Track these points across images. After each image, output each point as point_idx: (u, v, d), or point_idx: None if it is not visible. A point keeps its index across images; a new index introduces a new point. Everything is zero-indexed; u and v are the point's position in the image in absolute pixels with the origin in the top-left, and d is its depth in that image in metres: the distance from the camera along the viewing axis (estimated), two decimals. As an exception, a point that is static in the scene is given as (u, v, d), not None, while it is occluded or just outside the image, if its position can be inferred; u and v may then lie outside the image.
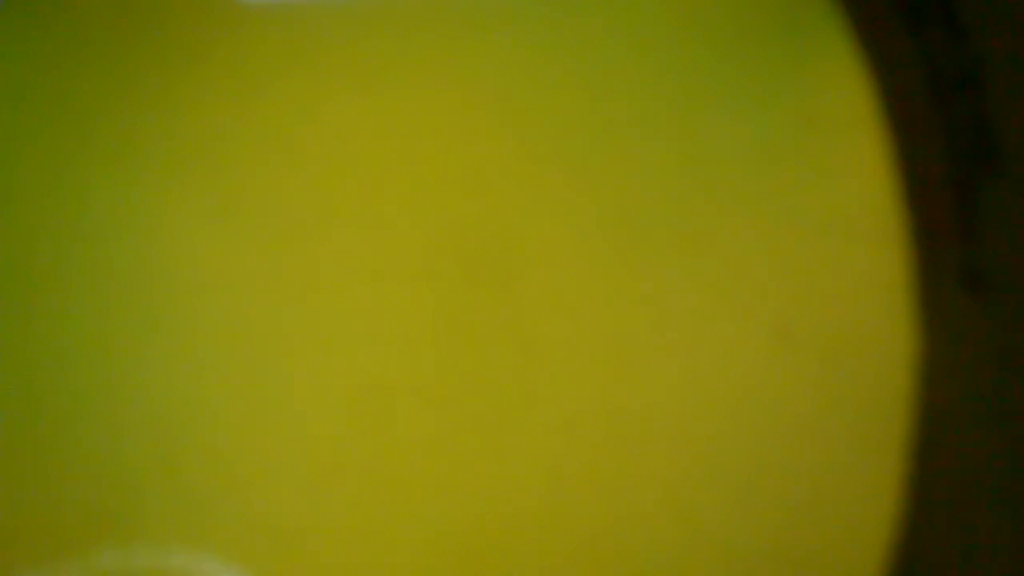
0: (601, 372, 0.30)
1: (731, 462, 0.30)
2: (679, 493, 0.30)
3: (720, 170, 0.31)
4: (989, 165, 0.29)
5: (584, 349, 0.30)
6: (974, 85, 0.29)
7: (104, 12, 0.31)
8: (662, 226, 0.31)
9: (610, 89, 0.31)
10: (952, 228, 0.30)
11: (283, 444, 0.30)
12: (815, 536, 0.30)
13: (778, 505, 0.30)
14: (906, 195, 0.30)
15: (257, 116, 0.30)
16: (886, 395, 0.30)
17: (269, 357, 0.30)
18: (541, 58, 0.31)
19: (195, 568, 0.30)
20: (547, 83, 0.31)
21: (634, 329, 0.30)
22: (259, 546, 0.30)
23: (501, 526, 0.30)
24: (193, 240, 0.30)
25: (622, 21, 0.31)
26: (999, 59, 0.28)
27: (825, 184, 0.31)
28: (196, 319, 0.30)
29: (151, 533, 0.30)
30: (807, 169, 0.31)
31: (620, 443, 0.30)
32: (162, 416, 0.30)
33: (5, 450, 0.30)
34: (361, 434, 0.30)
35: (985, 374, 0.29)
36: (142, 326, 0.30)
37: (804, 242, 0.31)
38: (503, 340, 0.30)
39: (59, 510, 0.30)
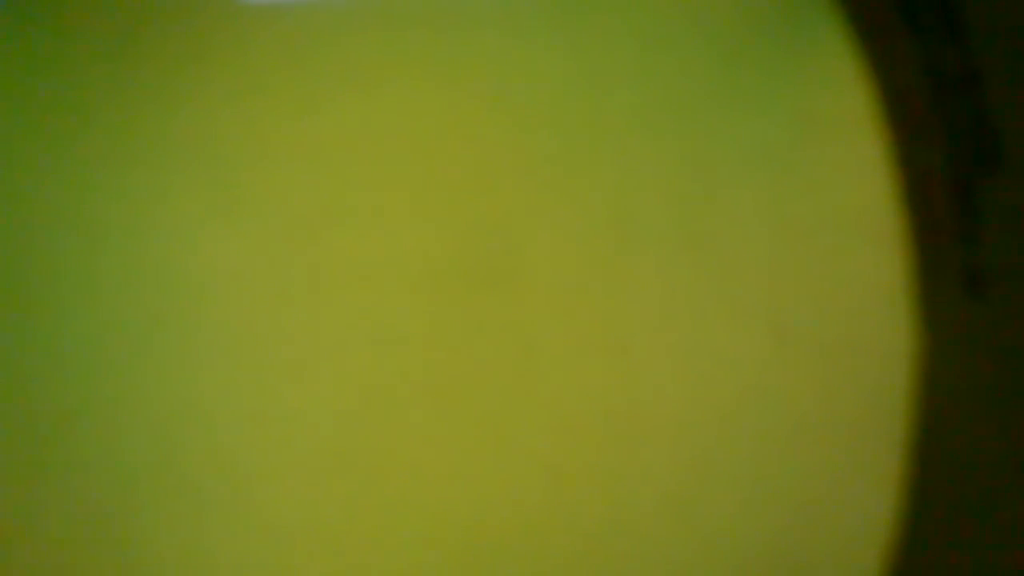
0: (601, 372, 0.30)
1: (730, 462, 0.30)
2: (679, 493, 0.30)
3: (719, 170, 0.31)
4: (989, 165, 0.29)
5: (584, 349, 0.30)
6: (974, 85, 0.29)
7: (103, 12, 0.31)
8: (662, 226, 0.31)
9: (609, 89, 0.31)
10: (952, 228, 0.29)
11: (283, 444, 0.30)
12: (815, 536, 0.30)
13: (777, 505, 0.30)
14: (906, 195, 0.30)
15: (256, 115, 0.30)
16: (886, 395, 0.30)
17: (269, 356, 0.30)
18: (540, 58, 0.31)
19: (194, 568, 0.30)
20: (546, 83, 0.31)
21: (634, 329, 0.30)
22: (259, 546, 0.30)
23: (501, 526, 0.30)
24: (191, 239, 0.30)
25: (621, 20, 0.31)
26: (999, 59, 0.28)
27: (825, 184, 0.31)
28: (195, 318, 0.30)
29: (151, 533, 0.30)
30: (807, 169, 0.31)
31: (620, 443, 0.30)
32: (161, 416, 0.30)
33: (4, 451, 0.30)
34: (360, 433, 0.30)
35: (985, 374, 0.29)
36: (141, 325, 0.30)
37: (804, 241, 0.31)
38: (503, 340, 0.30)
39: (58, 511, 0.30)
